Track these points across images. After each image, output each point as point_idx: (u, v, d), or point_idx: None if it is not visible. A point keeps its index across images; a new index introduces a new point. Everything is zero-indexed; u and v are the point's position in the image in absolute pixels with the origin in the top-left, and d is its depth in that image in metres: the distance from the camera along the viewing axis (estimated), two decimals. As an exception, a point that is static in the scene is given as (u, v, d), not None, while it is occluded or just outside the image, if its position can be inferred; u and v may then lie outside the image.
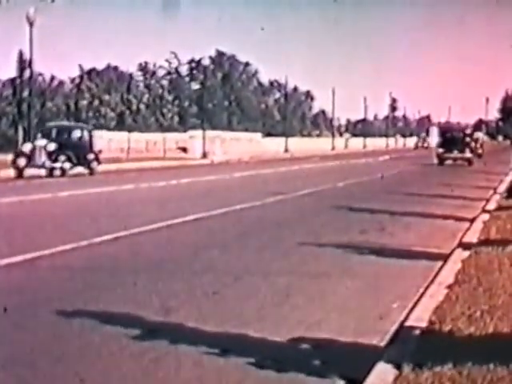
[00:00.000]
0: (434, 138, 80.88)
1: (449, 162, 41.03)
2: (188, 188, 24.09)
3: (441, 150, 41.53)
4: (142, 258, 10.05)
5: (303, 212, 16.91)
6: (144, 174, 31.33)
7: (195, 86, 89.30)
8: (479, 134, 55.41)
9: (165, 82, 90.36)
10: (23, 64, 53.06)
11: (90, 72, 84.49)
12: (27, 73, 45.70)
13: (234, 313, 7.14)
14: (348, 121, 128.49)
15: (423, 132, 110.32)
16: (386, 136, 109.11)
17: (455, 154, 40.74)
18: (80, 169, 31.15)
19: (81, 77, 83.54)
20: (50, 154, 29.83)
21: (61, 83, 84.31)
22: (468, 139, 42.24)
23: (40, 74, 75.58)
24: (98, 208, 17.19)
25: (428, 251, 10.43)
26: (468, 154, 41.11)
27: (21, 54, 57.29)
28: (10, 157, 30.97)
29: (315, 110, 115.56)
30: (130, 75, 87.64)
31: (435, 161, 41.00)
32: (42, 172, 29.69)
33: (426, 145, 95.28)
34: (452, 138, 41.70)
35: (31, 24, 36.27)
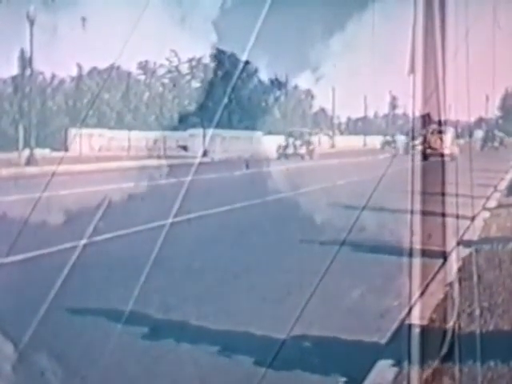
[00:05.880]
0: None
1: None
2: (190, 186, 23.99)
3: (481, 142, 60.79)
4: (143, 256, 10.03)
5: (302, 210, 16.88)
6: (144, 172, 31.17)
7: (195, 84, 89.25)
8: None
9: (165, 81, 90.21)
10: (24, 62, 52.94)
11: (92, 71, 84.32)
12: (28, 71, 45.57)
13: (235, 310, 7.14)
14: (348, 119, 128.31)
15: (423, 129, 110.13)
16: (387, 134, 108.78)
17: (488, 144, 60.51)
18: None
19: (79, 76, 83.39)
20: None
21: (62, 82, 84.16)
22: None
23: (41, 73, 75.48)
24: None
25: (428, 249, 10.40)
26: (495, 144, 58.91)
27: (22, 53, 57.16)
28: (11, 156, 29.98)
29: (315, 108, 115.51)
30: (128, 74, 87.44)
31: (477, 147, 56.03)
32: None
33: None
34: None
35: (32, 22, 36.21)
